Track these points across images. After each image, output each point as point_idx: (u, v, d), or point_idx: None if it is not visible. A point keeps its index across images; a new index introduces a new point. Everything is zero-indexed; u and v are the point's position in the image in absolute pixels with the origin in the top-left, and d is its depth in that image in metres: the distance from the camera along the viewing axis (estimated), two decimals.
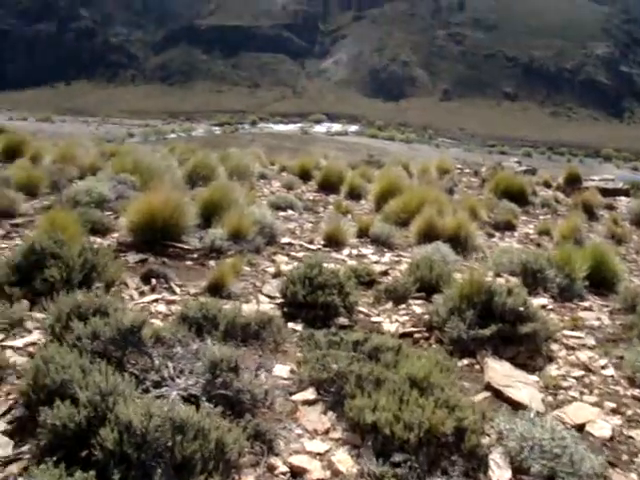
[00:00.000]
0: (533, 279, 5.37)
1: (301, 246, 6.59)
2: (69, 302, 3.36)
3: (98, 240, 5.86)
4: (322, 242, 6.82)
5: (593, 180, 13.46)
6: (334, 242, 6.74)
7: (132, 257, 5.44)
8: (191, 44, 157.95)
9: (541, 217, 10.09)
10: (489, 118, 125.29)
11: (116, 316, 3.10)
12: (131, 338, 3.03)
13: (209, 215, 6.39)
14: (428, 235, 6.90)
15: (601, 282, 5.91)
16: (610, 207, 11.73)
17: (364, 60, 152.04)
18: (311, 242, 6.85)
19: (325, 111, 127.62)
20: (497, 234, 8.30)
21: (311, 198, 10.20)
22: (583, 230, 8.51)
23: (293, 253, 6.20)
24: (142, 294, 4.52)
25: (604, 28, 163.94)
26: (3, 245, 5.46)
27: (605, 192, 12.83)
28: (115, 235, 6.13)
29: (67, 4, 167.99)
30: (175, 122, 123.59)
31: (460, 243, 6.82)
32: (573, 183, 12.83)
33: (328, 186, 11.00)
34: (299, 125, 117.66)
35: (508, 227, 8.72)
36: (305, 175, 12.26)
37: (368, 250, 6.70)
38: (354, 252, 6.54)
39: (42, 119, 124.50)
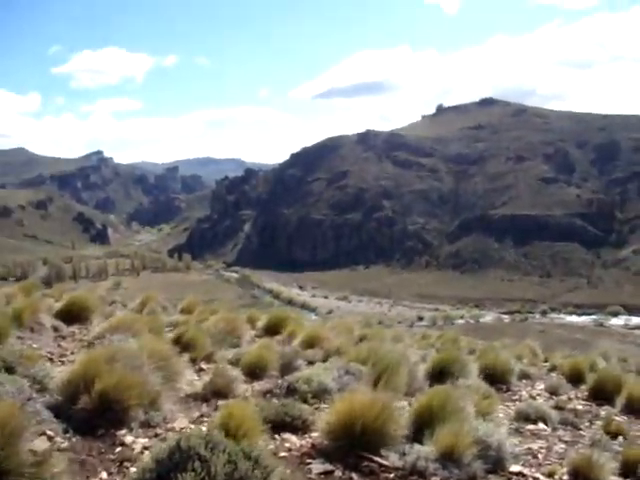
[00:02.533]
0: None
1: (535, 479, 5.04)
2: None
3: (293, 439, 5.27)
4: (566, 477, 5.15)
5: None
6: (584, 478, 5.03)
7: (316, 467, 4.70)
8: (484, 233, 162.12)
9: None
10: None
11: None
12: None
13: (423, 425, 5.27)
14: None
15: None
16: None
17: None
18: (550, 475, 5.20)
19: (623, 302, 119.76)
20: None
21: (577, 408, 9.19)
22: None
23: None
24: None
25: None
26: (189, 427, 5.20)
27: None
28: (314, 435, 5.35)
29: (372, 196, 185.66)
30: (464, 308, 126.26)
31: None
32: None
33: (602, 394, 9.85)
34: (593, 317, 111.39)
35: None
36: (577, 378, 11.13)
37: None
38: None
39: (340, 298, 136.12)
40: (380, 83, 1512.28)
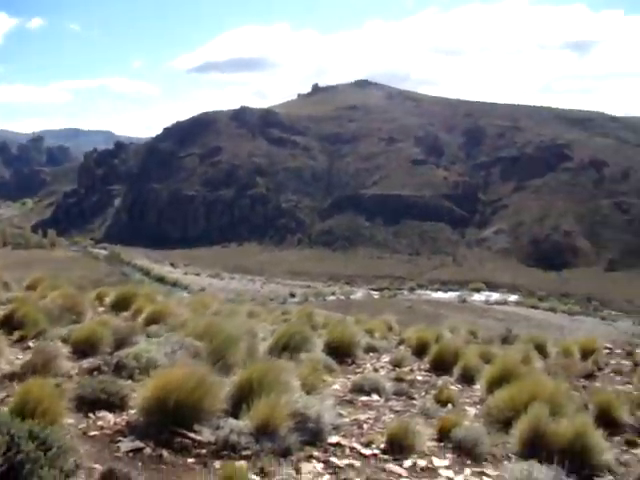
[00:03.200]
0: None
1: (352, 449, 4.98)
2: None
3: (109, 417, 4.96)
4: (383, 445, 5.09)
5: None
6: (400, 446, 4.99)
7: (125, 444, 4.40)
8: (355, 212, 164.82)
9: None
10: None
11: None
12: None
13: (242, 400, 5.04)
14: (534, 444, 5.21)
15: None
16: None
17: (525, 230, 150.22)
18: (369, 444, 5.13)
19: (484, 280, 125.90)
20: None
21: (417, 379, 8.71)
22: None
23: (335, 460, 4.65)
24: None
25: None
26: None
27: None
28: (132, 412, 5.07)
29: (246, 173, 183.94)
30: (336, 285, 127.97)
31: (576, 459, 5.05)
32: None
33: (442, 365, 9.43)
34: (457, 293, 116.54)
35: None
36: (422, 350, 10.74)
37: (442, 461, 5.00)
38: (421, 463, 4.82)
39: (213, 275, 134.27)
40: (257, 60, 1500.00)
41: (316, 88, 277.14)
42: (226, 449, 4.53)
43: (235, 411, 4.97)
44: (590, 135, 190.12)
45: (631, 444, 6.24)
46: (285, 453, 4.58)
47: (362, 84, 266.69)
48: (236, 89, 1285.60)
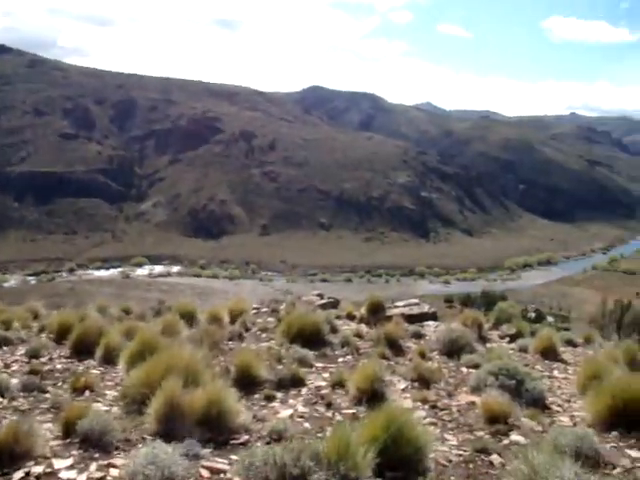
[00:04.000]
0: None
1: None
2: None
3: None
4: None
5: (397, 307, 12.32)
6: (11, 455, 4.19)
7: None
8: (1, 192, 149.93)
9: (340, 360, 8.47)
10: (308, 248, 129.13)
11: None
12: None
13: None
14: (170, 420, 4.89)
15: (400, 462, 4.24)
16: (418, 335, 10.49)
17: (182, 201, 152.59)
18: None
19: (146, 254, 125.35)
20: (279, 395, 6.46)
21: (57, 367, 7.82)
22: (385, 373, 6.96)
23: None
24: None
25: (403, 160, 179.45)
26: None
27: (411, 318, 11.70)
28: None
29: None
30: None
31: (214, 427, 4.88)
32: (377, 313, 11.57)
33: (85, 349, 8.61)
34: (120, 269, 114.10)
35: (296, 382, 6.95)
36: (64, 335, 9.69)
37: (65, 462, 4.27)
38: (37, 470, 4.07)
39: None
40: None
41: None
42: None
43: None
44: (239, 108, 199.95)
45: (269, 398, 6.35)
46: None
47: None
48: None
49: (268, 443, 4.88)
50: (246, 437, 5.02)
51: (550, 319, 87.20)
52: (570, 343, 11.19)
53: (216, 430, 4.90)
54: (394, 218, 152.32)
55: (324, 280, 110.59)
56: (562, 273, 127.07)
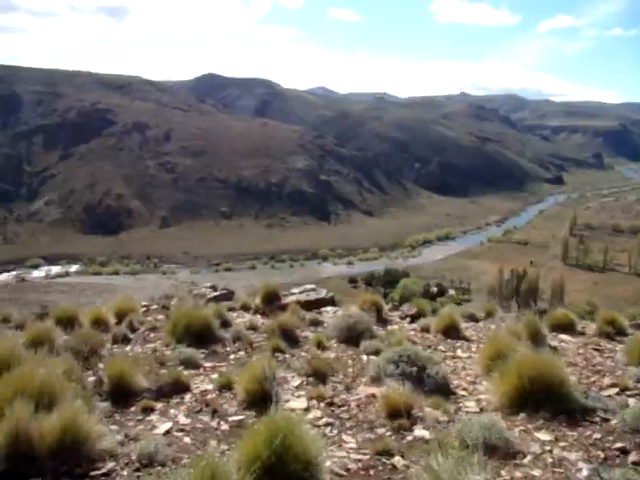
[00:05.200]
0: None
1: None
2: None
3: None
4: None
5: (293, 294, 11.81)
6: None
7: None
8: None
9: (232, 357, 7.85)
10: (210, 238, 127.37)
11: None
12: None
13: None
14: (19, 454, 4.09)
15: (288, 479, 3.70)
16: (316, 323, 10.01)
17: (77, 197, 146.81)
18: None
19: (42, 254, 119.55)
20: (159, 406, 5.76)
21: None
22: (278, 370, 6.42)
23: None
24: None
25: (300, 144, 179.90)
26: None
27: (309, 305, 11.22)
28: None
29: None
30: None
31: (71, 457, 4.15)
32: (272, 302, 11.01)
33: None
34: (14, 273, 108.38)
35: (179, 389, 6.27)
36: None
37: None
38: None
39: None
40: None
41: None
42: None
43: None
44: (131, 99, 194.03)
45: (147, 411, 5.66)
46: None
47: None
48: None
49: (137, 470, 4.24)
50: (111, 465, 4.32)
51: (452, 292, 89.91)
52: (472, 318, 11.03)
53: (72, 461, 4.17)
54: (294, 203, 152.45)
55: (228, 269, 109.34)
56: (460, 247, 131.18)
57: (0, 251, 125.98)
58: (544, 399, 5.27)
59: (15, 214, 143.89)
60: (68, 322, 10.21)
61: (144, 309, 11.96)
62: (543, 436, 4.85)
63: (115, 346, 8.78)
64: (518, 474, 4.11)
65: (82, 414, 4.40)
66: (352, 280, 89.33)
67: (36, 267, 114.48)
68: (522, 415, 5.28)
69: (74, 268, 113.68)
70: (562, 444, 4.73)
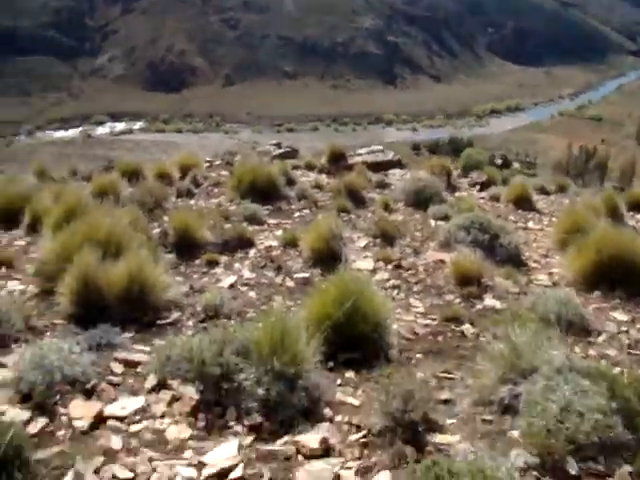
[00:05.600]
0: None
1: None
2: None
3: None
4: None
5: (360, 154, 11.44)
6: None
7: None
8: None
9: (297, 215, 7.71)
10: (273, 98, 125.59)
11: None
12: None
13: None
14: (86, 299, 4.10)
15: (356, 340, 3.58)
16: (382, 185, 9.74)
17: (140, 54, 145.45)
18: None
19: (106, 111, 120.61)
20: (223, 260, 5.70)
21: None
22: (344, 229, 6.24)
23: None
24: None
25: (368, 2, 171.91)
26: None
27: (375, 166, 10.92)
28: None
29: None
30: None
31: (137, 305, 4.12)
32: (338, 161, 10.71)
33: (12, 217, 7.56)
34: (81, 129, 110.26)
35: (243, 243, 6.17)
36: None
37: None
38: None
39: None
40: None
41: None
42: None
43: None
44: None
45: (211, 264, 5.60)
46: None
47: None
48: None
49: (202, 321, 4.19)
50: (177, 315, 4.30)
51: (516, 165, 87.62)
52: (543, 191, 10.59)
53: (140, 309, 4.14)
54: (360, 64, 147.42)
55: (290, 130, 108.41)
56: (529, 120, 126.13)
57: (67, 108, 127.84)
58: (621, 278, 4.99)
59: (80, 70, 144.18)
60: (133, 175, 10.22)
61: (207, 165, 11.89)
62: (619, 316, 4.64)
63: (179, 200, 8.77)
64: (592, 352, 3.94)
65: (148, 264, 4.34)
66: (415, 147, 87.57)
67: (101, 124, 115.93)
68: (597, 293, 5.06)
69: (137, 125, 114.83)
70: (639, 326, 4.51)
